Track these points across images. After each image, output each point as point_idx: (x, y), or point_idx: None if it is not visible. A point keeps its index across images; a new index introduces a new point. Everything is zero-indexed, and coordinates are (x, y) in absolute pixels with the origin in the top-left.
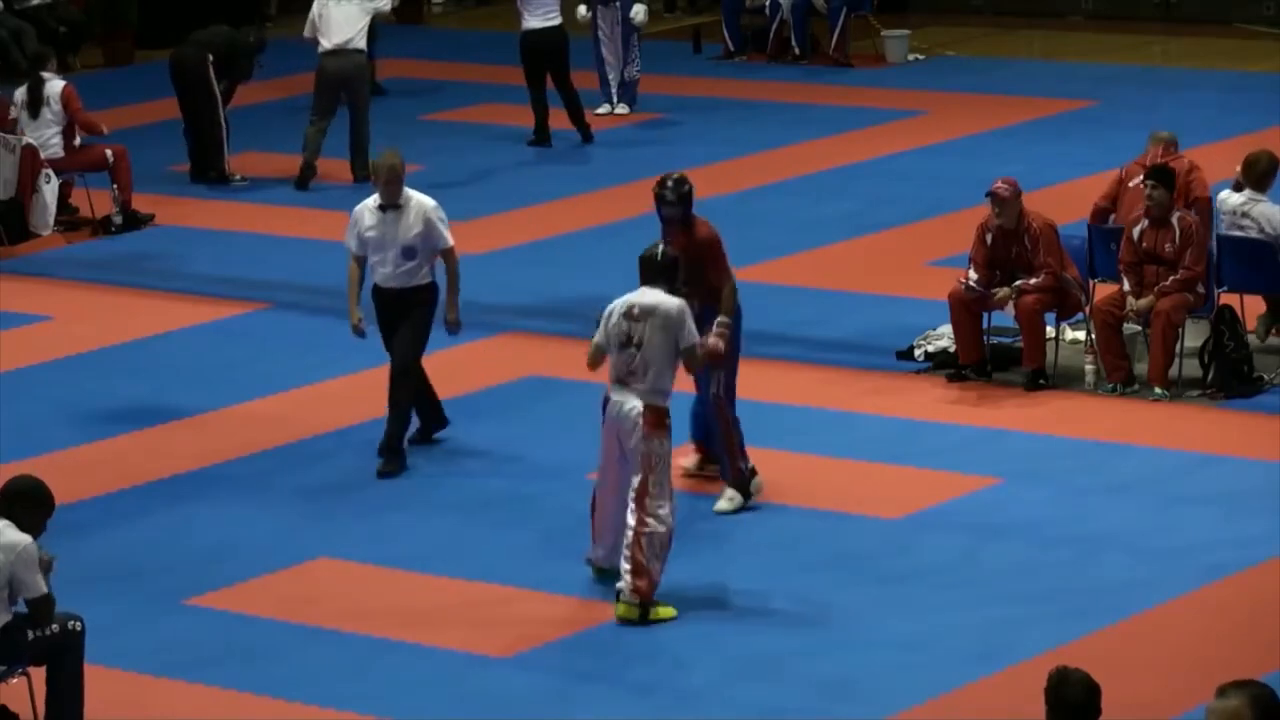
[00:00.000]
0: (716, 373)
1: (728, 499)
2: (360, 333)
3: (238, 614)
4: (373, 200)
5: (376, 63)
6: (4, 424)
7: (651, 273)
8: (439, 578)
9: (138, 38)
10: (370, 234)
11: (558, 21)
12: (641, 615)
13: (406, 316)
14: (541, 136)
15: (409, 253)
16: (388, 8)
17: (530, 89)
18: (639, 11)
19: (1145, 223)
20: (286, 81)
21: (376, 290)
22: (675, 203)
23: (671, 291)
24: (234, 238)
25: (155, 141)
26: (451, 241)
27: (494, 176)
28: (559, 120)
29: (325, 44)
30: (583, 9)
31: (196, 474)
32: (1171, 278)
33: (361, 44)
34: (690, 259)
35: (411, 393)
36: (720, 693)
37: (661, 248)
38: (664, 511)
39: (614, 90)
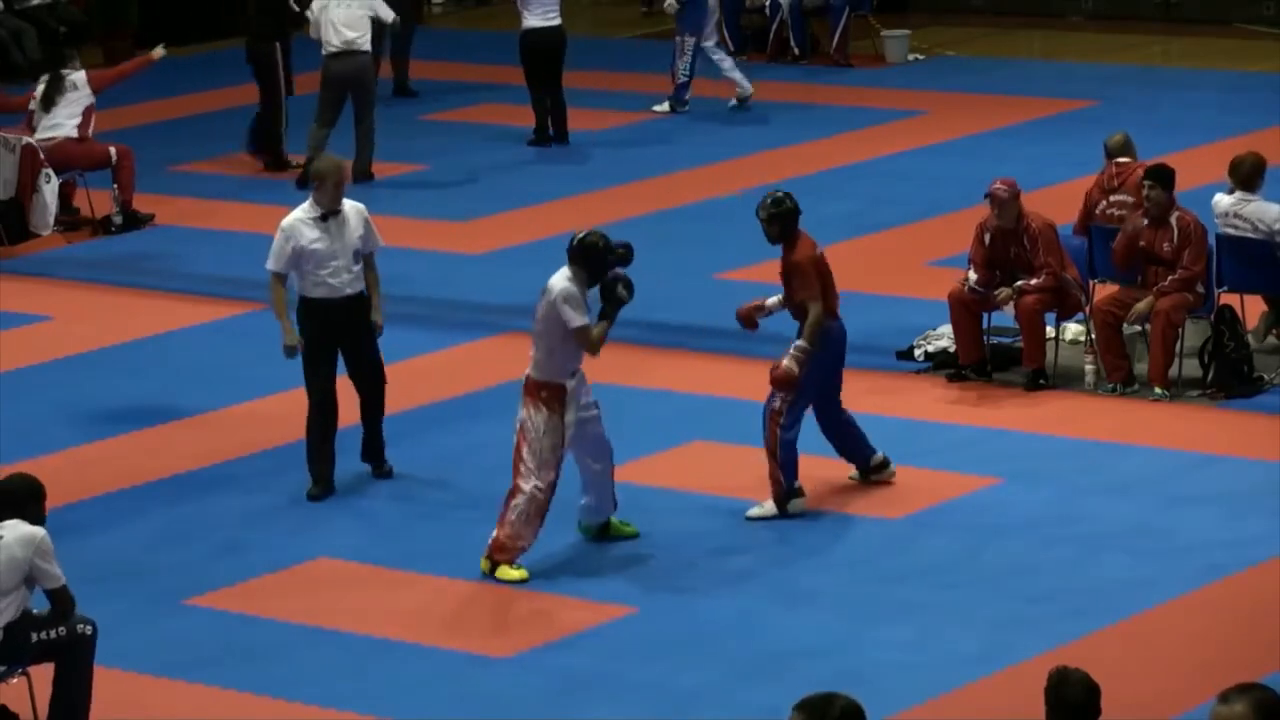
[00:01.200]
0: (782, 390)
1: (762, 507)
2: (296, 353)
3: (238, 614)
4: (304, 212)
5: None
6: (4, 424)
7: (569, 254)
8: (439, 578)
9: (137, 38)
10: (316, 246)
11: (557, 22)
12: (490, 568)
13: (357, 325)
14: (541, 136)
15: (357, 257)
16: (389, 18)
17: (530, 88)
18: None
19: (1144, 222)
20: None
21: (320, 304)
22: (765, 220)
23: (591, 278)
24: (234, 238)
25: (156, 141)
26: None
27: (494, 176)
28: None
29: (330, 45)
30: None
31: (196, 474)
32: (1170, 277)
33: (366, 45)
34: (784, 276)
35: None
36: (720, 693)
37: (584, 234)
38: (529, 484)
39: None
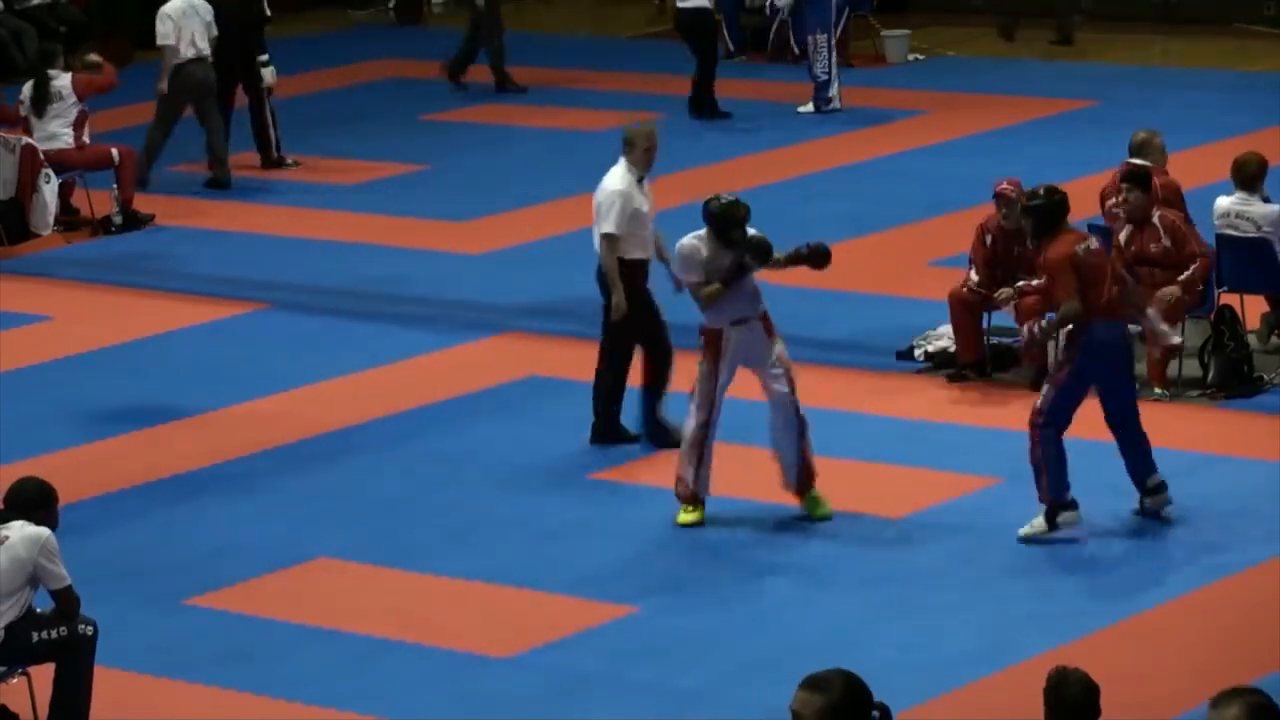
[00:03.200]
0: (1028, 354)
1: (1031, 525)
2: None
3: (238, 614)
4: (623, 179)
5: (378, 63)
6: (4, 424)
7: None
8: (439, 578)
9: (138, 38)
10: (641, 207)
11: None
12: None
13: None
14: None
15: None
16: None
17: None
18: None
19: (1129, 227)
20: (287, 81)
21: (640, 264)
22: (1021, 213)
23: (721, 241)
24: (234, 238)
25: None
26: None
27: (494, 176)
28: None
29: (183, 53)
30: None
31: (196, 474)
32: (1190, 269)
33: (208, 52)
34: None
35: None
36: (720, 693)
37: (711, 198)
38: (689, 423)
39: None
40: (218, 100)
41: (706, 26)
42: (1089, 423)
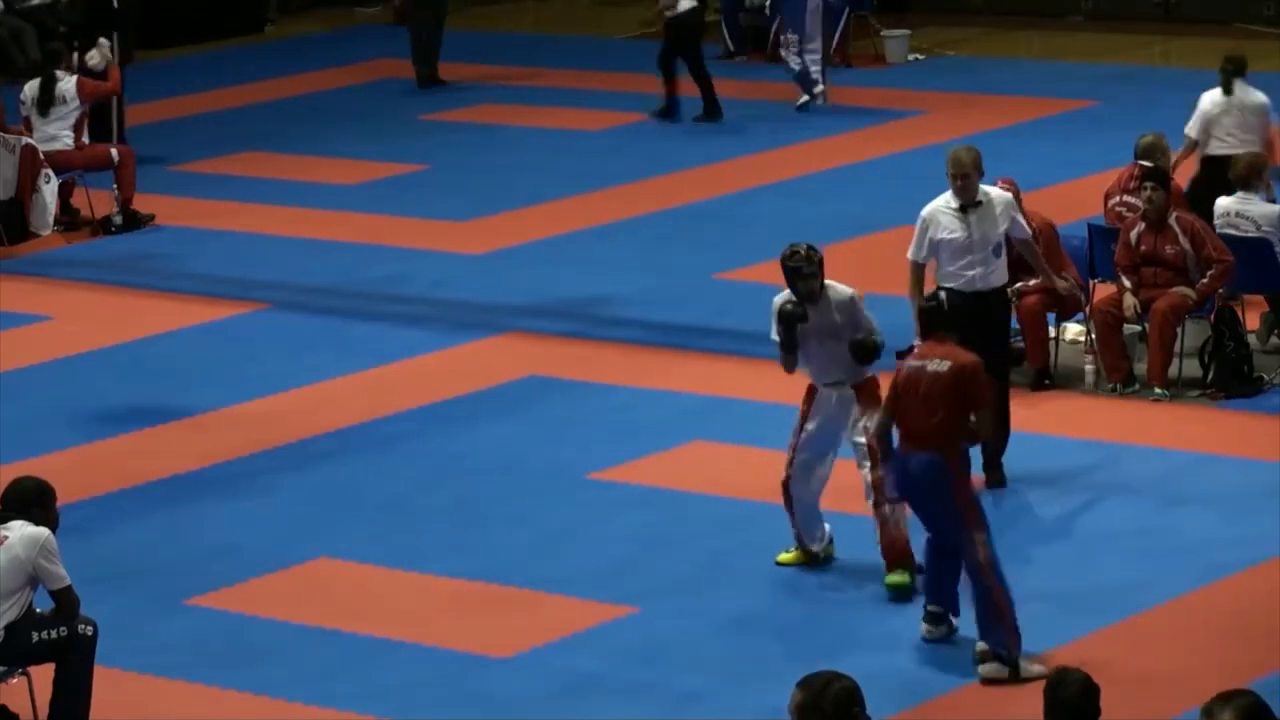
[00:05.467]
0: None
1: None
2: None
3: (238, 614)
4: (944, 202)
5: (378, 63)
6: (4, 424)
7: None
8: (439, 578)
9: (138, 38)
10: (954, 236)
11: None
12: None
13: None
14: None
15: (997, 250)
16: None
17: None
18: None
19: (1142, 225)
20: (287, 81)
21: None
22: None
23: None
24: (234, 238)
25: (156, 141)
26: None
27: (495, 176)
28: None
29: None
30: None
31: (196, 474)
32: (1209, 274)
33: None
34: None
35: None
36: (720, 693)
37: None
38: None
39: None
40: None
41: (694, 29)
42: (1090, 423)
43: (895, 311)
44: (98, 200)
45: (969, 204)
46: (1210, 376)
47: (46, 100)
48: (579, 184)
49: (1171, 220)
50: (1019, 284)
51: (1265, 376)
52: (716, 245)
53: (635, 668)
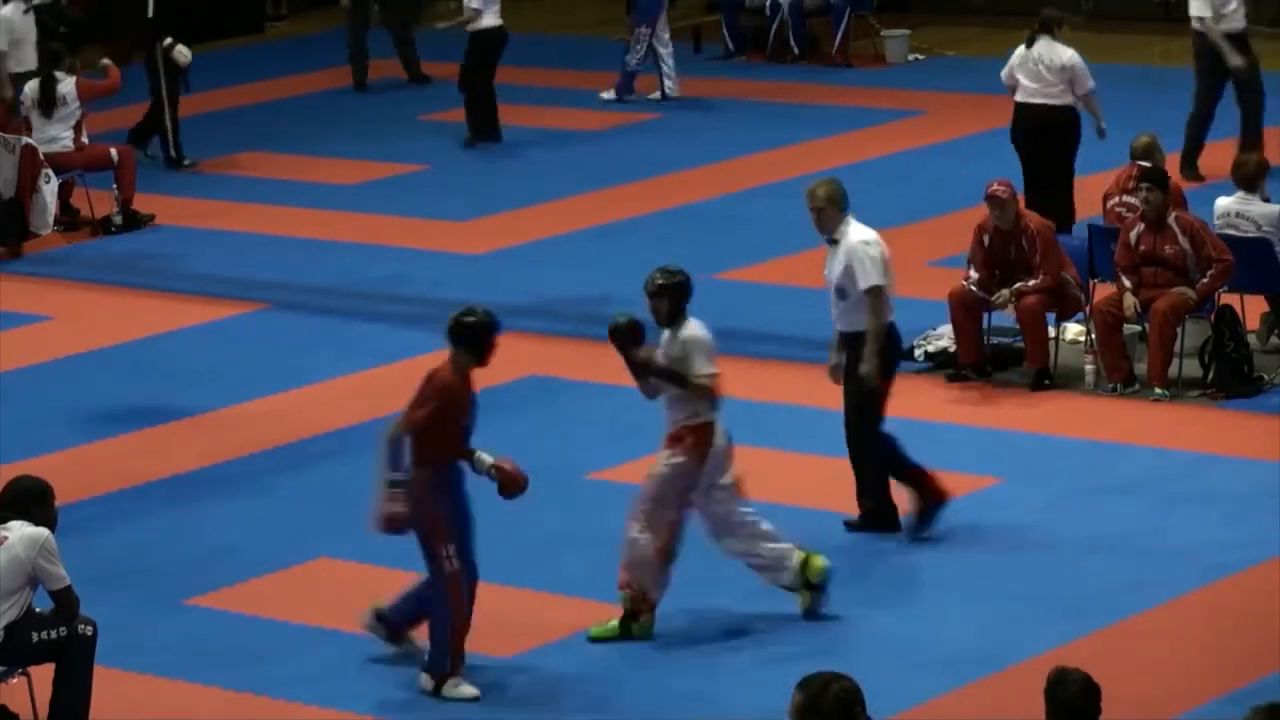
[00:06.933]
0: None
1: None
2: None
3: (237, 614)
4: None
5: (378, 62)
6: (4, 424)
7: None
8: None
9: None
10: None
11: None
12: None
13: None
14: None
15: (840, 293)
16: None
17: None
18: None
19: (1141, 225)
20: (287, 81)
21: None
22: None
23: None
24: (234, 238)
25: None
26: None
27: (494, 176)
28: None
29: None
30: None
31: (196, 474)
32: (1209, 274)
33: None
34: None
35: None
36: (720, 694)
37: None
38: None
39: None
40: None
41: (495, 47)
42: (1090, 423)
43: (897, 312)
44: (98, 200)
45: (827, 240)
46: (1210, 376)
47: (48, 101)
48: (579, 184)
49: (1171, 220)
50: (1017, 285)
51: (1265, 376)
52: (716, 245)
53: (635, 668)
